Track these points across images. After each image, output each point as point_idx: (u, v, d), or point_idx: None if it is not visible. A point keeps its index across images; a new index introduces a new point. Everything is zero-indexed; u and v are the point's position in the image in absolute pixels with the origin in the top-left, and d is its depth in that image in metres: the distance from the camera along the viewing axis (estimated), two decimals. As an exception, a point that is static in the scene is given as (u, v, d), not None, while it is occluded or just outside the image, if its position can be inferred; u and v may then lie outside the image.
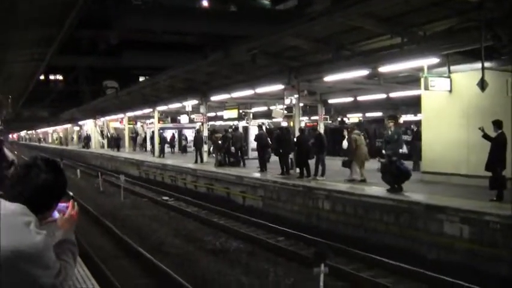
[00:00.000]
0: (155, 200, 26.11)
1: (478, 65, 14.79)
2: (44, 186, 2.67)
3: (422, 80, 18.47)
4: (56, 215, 2.96)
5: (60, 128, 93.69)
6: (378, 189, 17.26)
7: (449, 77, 18.55)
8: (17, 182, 2.66)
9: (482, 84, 14.58)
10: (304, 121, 37.98)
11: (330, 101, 31.85)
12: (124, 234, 17.14)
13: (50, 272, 2.55)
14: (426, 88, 18.27)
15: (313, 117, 40.09)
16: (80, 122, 71.52)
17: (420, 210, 14.30)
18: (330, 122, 36.65)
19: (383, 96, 29.46)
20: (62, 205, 3.09)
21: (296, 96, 23.48)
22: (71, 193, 3.00)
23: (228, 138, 29.26)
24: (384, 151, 18.45)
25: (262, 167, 25.46)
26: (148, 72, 47.87)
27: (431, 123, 19.76)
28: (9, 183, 2.68)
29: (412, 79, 21.31)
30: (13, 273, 2.43)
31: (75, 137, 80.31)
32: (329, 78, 21.72)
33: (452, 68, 18.43)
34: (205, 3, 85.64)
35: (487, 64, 14.99)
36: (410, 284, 11.88)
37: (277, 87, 24.50)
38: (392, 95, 28.49)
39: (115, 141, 56.93)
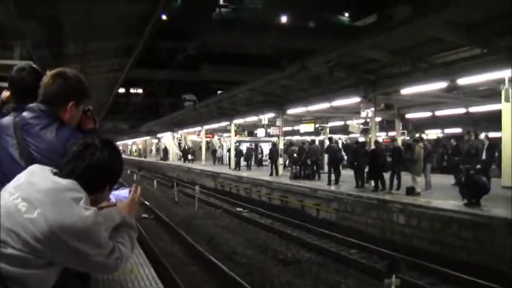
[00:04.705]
0: (229, 210, 26.13)
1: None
2: (98, 165, 2.63)
3: (503, 91, 17.91)
4: (114, 200, 2.92)
5: (139, 140, 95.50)
6: (454, 203, 16.75)
7: (531, 89, 17.86)
8: (71, 158, 2.64)
9: None
10: (381, 137, 37.51)
11: (408, 116, 31.29)
12: (196, 243, 17.19)
13: (102, 250, 2.51)
14: (507, 100, 17.68)
15: (390, 133, 39.56)
16: (159, 135, 72.68)
17: (500, 225, 13.78)
18: (408, 138, 35.96)
19: (462, 111, 28.72)
20: (123, 192, 3.06)
21: (372, 109, 23.19)
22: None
23: (305, 151, 29.14)
24: (461, 165, 18.02)
25: (331, 180, 25.30)
26: (226, 87, 48.39)
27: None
28: (65, 160, 2.65)
29: (493, 93, 20.72)
30: (61, 249, 2.40)
31: (153, 149, 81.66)
32: (406, 91, 21.37)
33: (535, 80, 17.75)
34: (284, 20, 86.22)
35: None
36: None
37: (354, 100, 24.27)
38: (472, 109, 27.73)
39: (184, 153, 59.30)
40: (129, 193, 2.93)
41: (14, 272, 2.35)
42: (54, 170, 2.60)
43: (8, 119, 3.24)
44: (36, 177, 2.53)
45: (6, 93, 4.33)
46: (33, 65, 3.98)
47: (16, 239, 2.37)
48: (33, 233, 2.36)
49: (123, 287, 6.77)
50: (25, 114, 3.18)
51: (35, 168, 2.63)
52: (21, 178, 2.56)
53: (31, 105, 3.21)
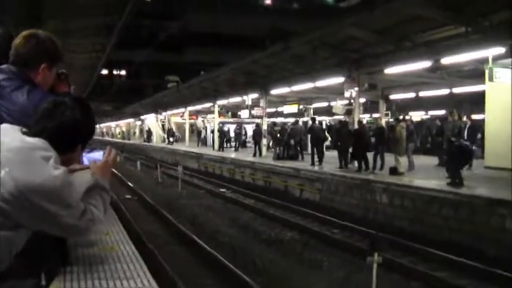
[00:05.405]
0: (212, 191, 26.11)
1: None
2: (68, 124, 2.53)
3: (486, 71, 17.91)
4: (87, 162, 2.84)
5: (123, 123, 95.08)
6: (436, 182, 16.83)
7: (515, 68, 17.88)
8: (41, 117, 2.55)
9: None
10: (365, 119, 37.54)
11: (392, 97, 31.27)
12: (179, 223, 17.15)
13: (72, 211, 2.42)
14: (490, 79, 17.73)
15: (374, 115, 39.60)
16: (142, 117, 72.41)
17: (481, 205, 13.84)
18: (392, 119, 36.07)
19: (446, 91, 28.75)
20: (96, 155, 2.99)
21: (356, 89, 23.14)
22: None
23: (286, 131, 29.18)
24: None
25: (314, 161, 25.34)
26: (209, 68, 48.26)
27: (496, 117, 19.12)
28: (34, 118, 2.56)
29: (477, 73, 20.75)
30: (30, 209, 2.32)
31: (137, 131, 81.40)
32: (390, 70, 21.32)
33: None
34: (268, 1, 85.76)
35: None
36: (469, 279, 11.47)
37: (338, 79, 24.18)
38: (456, 90, 27.76)
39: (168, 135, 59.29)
40: (103, 156, 2.85)
41: None
42: (24, 129, 2.50)
43: None
44: (5, 136, 2.44)
45: None
46: (8, 31, 3.90)
47: None
48: (0, 192, 2.29)
49: (104, 263, 6.70)
50: None
51: (3, 127, 2.54)
52: None
53: (1, 66, 3.13)
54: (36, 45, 3.13)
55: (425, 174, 19.88)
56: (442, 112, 40.62)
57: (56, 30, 17.98)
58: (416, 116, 46.15)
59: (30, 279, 2.65)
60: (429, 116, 45.64)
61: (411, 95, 30.96)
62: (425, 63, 19.26)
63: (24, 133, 2.48)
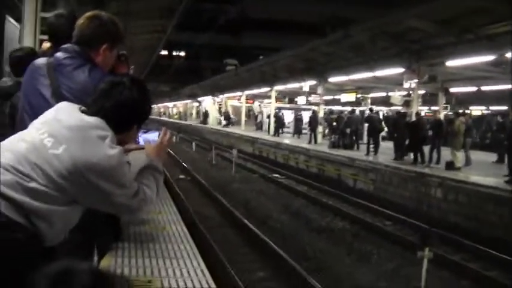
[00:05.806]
0: (266, 176, 26.09)
1: None
2: (126, 103, 2.60)
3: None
4: (142, 143, 2.89)
5: (180, 103, 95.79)
6: (494, 180, 16.51)
7: None
8: (99, 96, 2.61)
9: None
10: (424, 111, 37.03)
11: (451, 90, 30.66)
12: (231, 206, 17.23)
13: (126, 191, 2.50)
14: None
15: (432, 108, 38.98)
16: (199, 98, 72.80)
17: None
18: (451, 113, 35.47)
19: (509, 87, 27.99)
20: (152, 136, 3.04)
21: (416, 80, 22.80)
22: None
23: (342, 120, 29.01)
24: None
25: (370, 151, 25.12)
26: (267, 53, 48.18)
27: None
28: (93, 97, 2.61)
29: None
30: (85, 187, 2.40)
31: (194, 112, 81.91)
32: (451, 63, 20.91)
33: None
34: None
35: None
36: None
37: (397, 70, 23.83)
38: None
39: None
40: (159, 137, 2.89)
41: (38, 206, 2.34)
42: (82, 108, 2.57)
43: (41, 60, 3.24)
44: (64, 114, 2.52)
45: (46, 45, 4.33)
46: (72, 12, 3.95)
47: (41, 173, 2.36)
48: (57, 168, 2.36)
49: (155, 242, 6.80)
50: (59, 54, 3.16)
51: (63, 105, 2.62)
52: (49, 114, 2.56)
53: (65, 45, 3.19)
54: (99, 26, 3.18)
55: (483, 170, 19.51)
56: (504, 108, 39.72)
57: (118, 12, 18.20)
58: (477, 110, 45.26)
59: (83, 253, 2.72)
60: (490, 111, 44.69)
61: (472, 88, 30.31)
62: (489, 57, 18.82)
63: (82, 111, 2.54)
